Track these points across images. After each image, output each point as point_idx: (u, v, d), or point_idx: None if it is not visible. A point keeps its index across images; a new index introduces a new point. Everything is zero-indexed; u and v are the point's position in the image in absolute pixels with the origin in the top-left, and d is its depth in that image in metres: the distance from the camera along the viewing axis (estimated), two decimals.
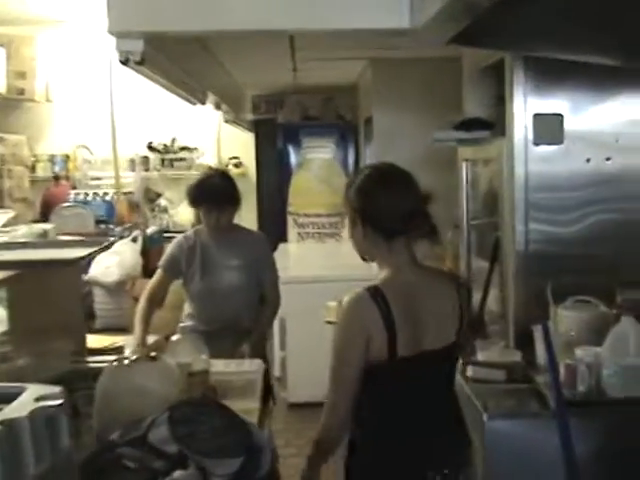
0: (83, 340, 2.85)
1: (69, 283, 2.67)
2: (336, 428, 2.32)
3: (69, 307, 2.74)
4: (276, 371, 6.10)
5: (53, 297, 2.58)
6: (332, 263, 6.92)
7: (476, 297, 3.99)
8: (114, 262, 5.45)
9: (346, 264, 6.51)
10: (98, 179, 8.71)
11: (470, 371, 3.10)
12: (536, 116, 3.32)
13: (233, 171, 9.44)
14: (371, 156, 6.85)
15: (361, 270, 6.39)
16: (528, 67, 3.28)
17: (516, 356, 3.20)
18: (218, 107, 6.65)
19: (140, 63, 3.23)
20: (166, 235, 7.84)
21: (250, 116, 9.21)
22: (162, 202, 9.08)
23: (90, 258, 5.58)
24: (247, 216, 9.40)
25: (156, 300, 3.95)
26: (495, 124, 3.71)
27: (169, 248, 4.04)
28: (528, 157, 3.33)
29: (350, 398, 2.28)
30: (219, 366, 3.00)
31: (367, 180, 2.42)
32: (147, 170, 9.25)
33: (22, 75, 8.58)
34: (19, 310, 2.68)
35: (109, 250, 5.56)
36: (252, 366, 3.01)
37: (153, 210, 8.98)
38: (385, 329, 2.23)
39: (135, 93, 7.70)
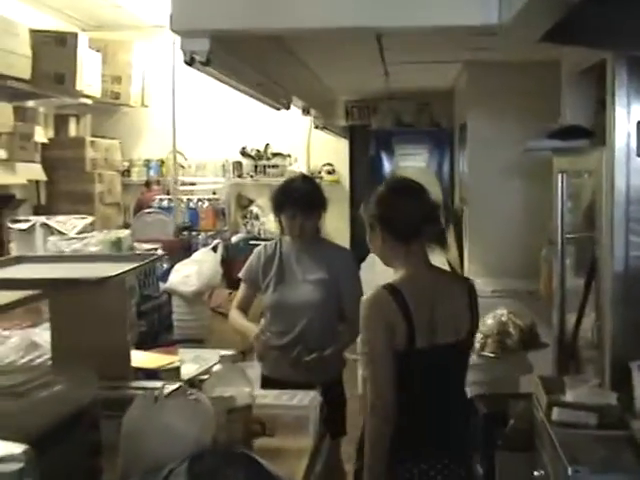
0: (126, 363, 2.64)
1: (111, 301, 2.47)
2: (385, 418, 2.54)
3: (112, 328, 2.54)
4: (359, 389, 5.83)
5: (91, 317, 2.39)
6: None
7: (570, 321, 3.65)
8: (193, 271, 5.32)
9: None
10: (190, 184, 8.73)
11: (555, 413, 2.75)
12: None
13: (326, 178, 9.33)
14: (465, 164, 6.54)
15: None
16: (632, 68, 2.92)
17: (611, 398, 2.80)
18: (307, 112, 6.47)
19: (206, 64, 3.05)
20: (253, 243, 7.82)
21: (343, 122, 9.02)
22: (254, 209, 9.01)
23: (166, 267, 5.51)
24: (339, 225, 9.29)
25: (243, 309, 3.87)
26: (595, 132, 3.37)
27: (250, 258, 3.88)
28: (630, 169, 2.98)
29: (392, 385, 2.54)
30: (269, 398, 2.76)
31: (385, 191, 2.76)
32: (240, 176, 9.22)
33: (118, 80, 8.68)
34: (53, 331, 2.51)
35: (189, 259, 5.44)
36: (305, 399, 2.74)
37: (245, 217, 8.97)
38: (404, 320, 2.53)
39: (230, 97, 7.58)
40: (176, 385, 2.40)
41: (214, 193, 8.76)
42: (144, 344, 4.59)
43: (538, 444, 2.96)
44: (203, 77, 5.34)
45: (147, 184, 8.84)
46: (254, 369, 3.16)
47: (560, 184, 3.62)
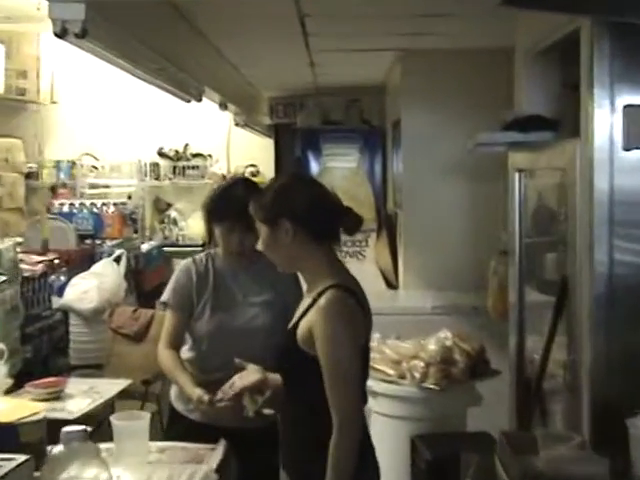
0: None
1: None
2: (358, 439, 2.29)
3: None
4: None
5: None
6: None
7: (530, 346, 3.11)
8: (92, 286, 4.65)
9: (371, 289, 5.67)
10: (104, 187, 8.09)
11: None
12: (627, 109, 2.38)
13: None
14: (399, 164, 5.98)
15: (385, 298, 5.71)
16: (616, 38, 2.35)
17: (600, 465, 2.14)
18: (224, 107, 5.85)
19: (81, 35, 2.43)
20: (168, 250, 7.18)
21: (267, 120, 8.45)
22: (172, 213, 8.49)
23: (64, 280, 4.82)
24: None
25: (175, 345, 3.05)
26: (561, 122, 2.82)
27: (174, 277, 3.13)
28: (614, 165, 2.40)
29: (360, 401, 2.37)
30: None
31: (285, 183, 2.48)
32: (157, 178, 8.70)
33: (23, 74, 7.99)
34: None
35: (88, 271, 4.76)
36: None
37: (162, 222, 8.46)
38: (364, 324, 2.36)
39: (146, 93, 6.96)
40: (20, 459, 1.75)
41: (129, 197, 8.20)
42: (29, 373, 3.95)
43: None
44: (117, 72, 4.70)
45: (52, 188, 8.18)
46: (141, 421, 2.49)
47: (517, 184, 3.08)
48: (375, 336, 3.71)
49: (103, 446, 2.63)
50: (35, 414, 2.41)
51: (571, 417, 2.58)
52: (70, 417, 3.38)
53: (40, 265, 4.33)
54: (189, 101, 4.67)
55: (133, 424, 2.48)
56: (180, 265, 3.14)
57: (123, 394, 3.89)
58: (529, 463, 2.19)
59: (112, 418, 2.49)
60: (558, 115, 2.93)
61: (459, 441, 3.43)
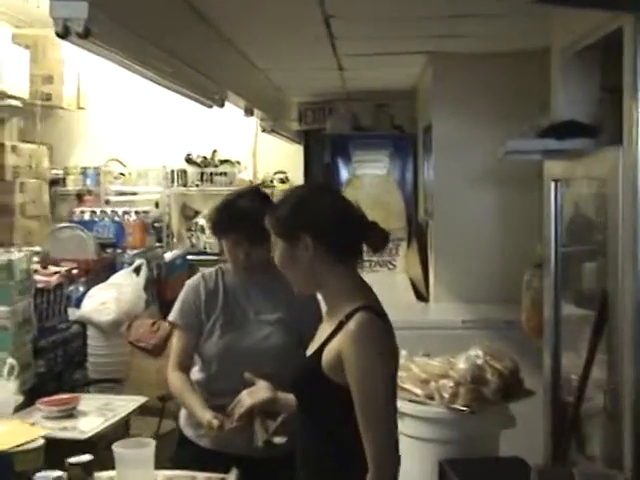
0: None
1: None
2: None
3: None
4: None
5: None
6: (385, 297, 5.82)
7: (567, 365, 2.90)
8: (111, 297, 4.50)
9: (399, 301, 5.48)
10: (131, 194, 7.99)
11: None
12: None
13: (278, 187, 8.72)
14: (430, 171, 5.78)
15: (415, 311, 5.50)
16: None
17: None
18: (250, 113, 5.67)
19: (84, 35, 2.27)
20: (193, 259, 7.04)
21: (296, 126, 8.26)
22: (199, 221, 8.32)
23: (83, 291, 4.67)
24: None
25: (184, 366, 2.88)
26: (600, 128, 2.61)
27: (182, 295, 2.94)
28: None
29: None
30: None
31: (304, 193, 2.29)
32: (185, 185, 8.62)
33: (49, 79, 7.87)
34: None
35: (106, 282, 4.61)
36: None
37: (189, 230, 8.34)
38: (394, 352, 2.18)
39: (172, 99, 6.84)
40: None
41: (156, 204, 8.10)
42: (42, 389, 3.81)
43: None
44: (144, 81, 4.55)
45: (79, 195, 8.11)
46: (146, 449, 2.32)
47: (553, 194, 2.87)
48: (402, 353, 3.51)
49: (106, 474, 2.49)
50: (33, 441, 2.25)
51: (611, 447, 2.36)
52: (82, 437, 3.25)
53: (56, 276, 4.19)
54: (211, 106, 4.51)
55: (137, 452, 2.32)
56: (188, 281, 2.96)
57: (141, 410, 3.75)
58: None
59: (115, 446, 2.33)
60: (597, 121, 2.73)
61: (490, 467, 3.24)
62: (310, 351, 2.18)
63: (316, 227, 2.11)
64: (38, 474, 1.40)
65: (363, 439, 2.01)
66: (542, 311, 3.60)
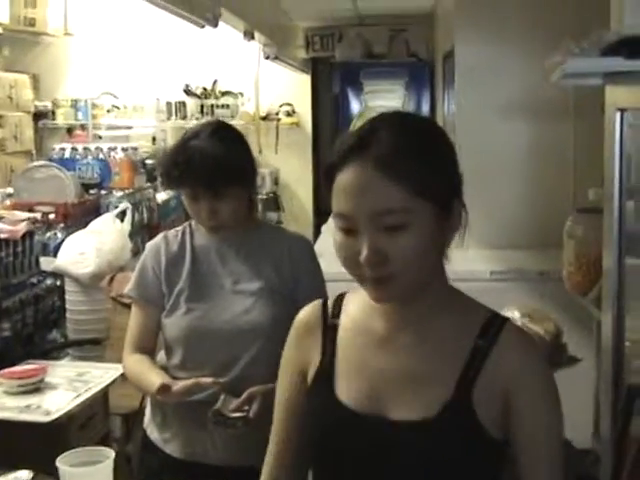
0: None
1: None
2: None
3: None
4: None
5: None
6: None
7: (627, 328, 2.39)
8: (90, 246, 3.96)
9: None
10: (119, 128, 7.48)
11: None
12: None
13: (284, 120, 8.29)
14: (451, 102, 5.20)
15: None
16: None
17: None
18: (251, 36, 5.09)
19: None
20: None
21: (303, 54, 7.70)
22: None
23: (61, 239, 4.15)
24: (301, 176, 8.10)
25: (145, 349, 2.28)
26: None
27: (140, 261, 2.35)
28: None
29: None
30: None
31: (442, 134, 1.39)
32: (184, 118, 8.29)
33: (32, 3, 7.33)
34: None
35: (85, 230, 4.09)
36: None
37: None
38: None
39: (168, 26, 6.31)
40: None
41: (153, 139, 7.62)
42: (8, 356, 3.35)
43: None
44: (135, 1, 3.95)
45: (69, 130, 7.63)
46: (100, 466, 1.78)
47: (619, 127, 2.31)
48: None
49: None
50: None
51: None
52: (46, 419, 2.77)
53: (24, 223, 3.65)
54: (203, 26, 3.92)
55: (87, 472, 1.76)
56: (148, 243, 2.37)
57: (123, 377, 3.26)
58: None
59: (59, 462, 1.77)
60: None
61: None
62: (411, 410, 1.33)
63: (459, 182, 1.37)
64: None
65: None
66: (589, 264, 3.09)
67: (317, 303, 1.49)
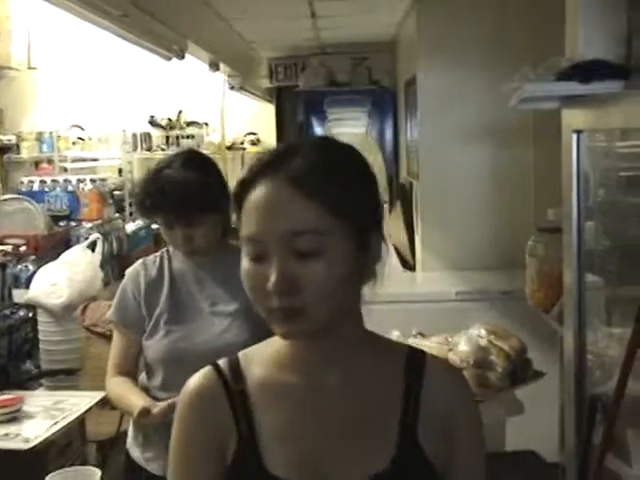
0: None
1: None
2: None
3: None
4: None
5: None
6: None
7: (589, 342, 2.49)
8: (62, 277, 4.00)
9: (383, 270, 5.02)
10: (85, 160, 7.53)
11: None
12: None
13: (249, 149, 8.36)
14: (414, 128, 5.30)
15: (402, 282, 5.05)
16: None
17: None
18: (216, 67, 5.18)
19: None
20: (159, 229, 6.57)
21: (267, 83, 7.77)
22: None
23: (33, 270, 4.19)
24: None
25: (127, 371, 2.36)
26: (632, 70, 2.15)
27: (120, 287, 2.42)
28: None
29: None
30: None
31: (357, 157, 1.27)
32: (150, 149, 8.27)
33: None
34: None
35: (57, 261, 4.13)
36: None
37: None
38: None
39: (134, 58, 6.36)
40: None
41: (119, 171, 7.67)
42: None
43: None
44: (99, 33, 4.01)
45: (36, 163, 7.68)
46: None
47: (575, 147, 2.41)
48: (394, 333, 3.07)
49: None
50: None
51: None
52: (25, 447, 2.81)
53: None
54: (169, 59, 4.00)
55: None
56: (128, 270, 2.45)
57: (102, 402, 3.29)
58: None
59: None
60: (626, 61, 2.27)
61: (499, 462, 2.82)
62: (356, 468, 1.20)
63: (379, 212, 1.27)
64: None
65: None
66: (550, 281, 3.19)
67: (207, 370, 1.30)
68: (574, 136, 2.42)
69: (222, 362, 1.30)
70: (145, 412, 2.12)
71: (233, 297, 2.29)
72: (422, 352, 1.30)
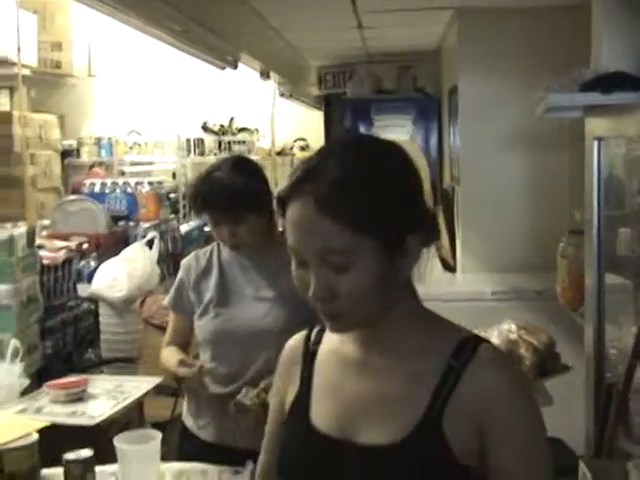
0: None
1: None
2: None
3: None
4: None
5: None
6: None
7: (611, 338, 2.67)
8: (122, 272, 4.27)
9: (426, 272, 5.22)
10: (141, 164, 7.82)
11: None
12: None
13: (298, 155, 8.55)
14: (456, 135, 5.50)
15: (442, 282, 5.24)
16: None
17: None
18: (266, 76, 5.42)
19: None
20: (210, 230, 6.80)
21: (316, 91, 7.98)
22: None
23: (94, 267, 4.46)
24: None
25: (177, 345, 2.71)
26: None
27: (178, 275, 2.75)
28: None
29: None
30: None
31: (392, 157, 1.29)
32: (202, 154, 8.46)
33: (58, 46, 7.67)
34: None
35: (117, 257, 4.40)
36: None
37: None
38: None
39: (188, 66, 6.64)
40: None
41: (173, 175, 7.93)
42: (50, 371, 3.62)
43: None
44: (156, 43, 4.33)
45: (93, 167, 7.95)
46: (150, 444, 2.11)
47: (596, 154, 2.61)
48: None
49: (109, 469, 2.29)
50: (27, 436, 2.04)
51: None
52: (91, 423, 3.06)
53: (63, 251, 3.98)
54: (224, 68, 4.27)
55: (140, 448, 2.10)
56: (182, 261, 2.76)
57: (156, 390, 3.56)
58: None
59: (116, 441, 2.11)
60: None
61: None
62: (381, 433, 1.28)
63: (419, 219, 1.29)
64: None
65: None
66: (579, 281, 3.37)
67: (303, 332, 1.49)
68: (595, 143, 2.62)
69: (316, 328, 1.46)
70: (182, 362, 2.47)
71: (274, 285, 2.55)
72: (480, 340, 1.30)
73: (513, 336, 3.31)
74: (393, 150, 1.31)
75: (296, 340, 1.48)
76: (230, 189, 2.46)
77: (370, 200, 1.21)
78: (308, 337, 1.46)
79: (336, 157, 1.25)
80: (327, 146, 1.37)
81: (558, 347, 3.40)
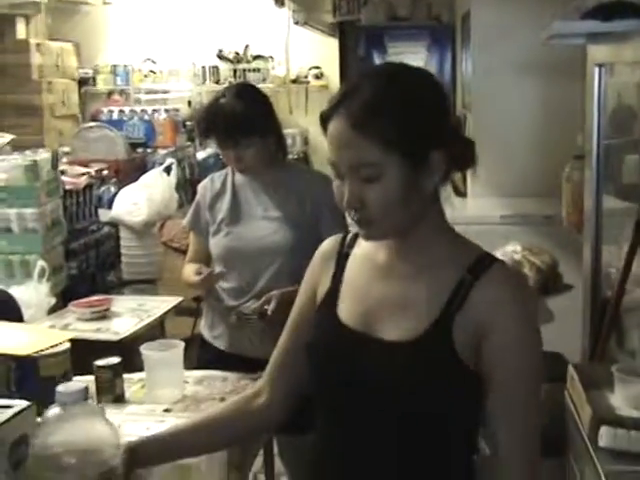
0: None
1: None
2: None
3: None
4: None
5: None
6: None
7: (611, 258, 2.80)
8: (142, 197, 4.43)
9: None
10: (157, 92, 7.91)
11: (605, 438, 1.87)
12: None
13: (313, 83, 8.57)
14: (468, 62, 5.53)
15: (452, 206, 5.32)
16: None
17: None
18: (281, 3, 5.46)
19: None
20: None
21: (330, 18, 7.97)
22: None
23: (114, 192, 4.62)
24: None
25: (197, 262, 2.87)
26: None
27: (195, 200, 2.93)
28: None
29: None
30: None
31: (417, 81, 1.43)
32: (218, 82, 8.52)
33: None
34: None
35: (137, 183, 4.55)
36: None
37: None
38: None
39: None
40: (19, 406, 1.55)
41: (189, 102, 8.00)
42: (75, 291, 3.81)
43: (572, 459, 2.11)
44: None
45: (110, 94, 8.06)
46: (173, 351, 2.28)
47: (597, 81, 2.69)
48: None
49: (136, 376, 2.46)
50: (59, 344, 2.20)
51: None
52: (115, 338, 3.24)
53: (84, 177, 4.13)
54: None
55: (164, 355, 2.28)
56: (198, 185, 2.93)
57: (176, 311, 3.73)
58: (603, 402, 1.93)
59: (142, 348, 2.29)
60: None
61: None
62: (398, 331, 1.42)
63: (443, 138, 1.41)
64: (61, 387, 1.32)
65: (505, 437, 1.37)
66: (582, 205, 3.47)
67: (339, 236, 1.61)
68: (596, 69, 2.70)
69: (352, 233, 1.58)
70: (197, 272, 2.68)
71: (282, 206, 2.71)
72: (495, 260, 1.43)
73: (517, 256, 3.44)
74: (421, 74, 1.45)
75: (332, 241, 1.61)
76: (231, 114, 2.60)
77: (397, 119, 1.35)
78: (343, 240, 1.58)
79: (369, 81, 1.39)
80: (363, 72, 1.51)
81: (562, 268, 3.54)
